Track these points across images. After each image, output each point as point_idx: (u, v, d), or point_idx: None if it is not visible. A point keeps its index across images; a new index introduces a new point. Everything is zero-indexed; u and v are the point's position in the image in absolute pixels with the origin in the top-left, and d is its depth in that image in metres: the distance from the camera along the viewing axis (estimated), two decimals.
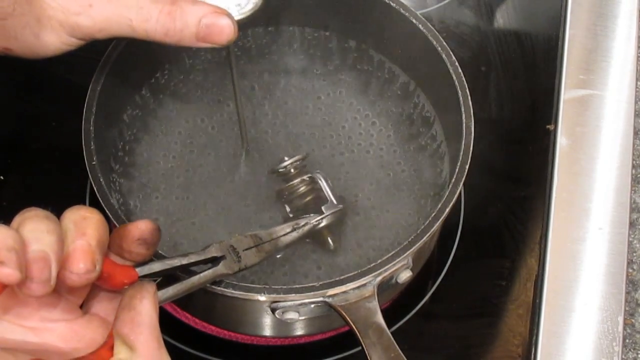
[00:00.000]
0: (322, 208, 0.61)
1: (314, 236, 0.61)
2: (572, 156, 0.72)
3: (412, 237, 0.53)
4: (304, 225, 0.58)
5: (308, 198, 0.62)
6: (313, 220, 0.59)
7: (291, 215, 0.62)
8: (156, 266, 0.45)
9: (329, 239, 0.61)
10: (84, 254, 0.38)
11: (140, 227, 0.43)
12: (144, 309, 0.41)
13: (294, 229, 0.58)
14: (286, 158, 0.63)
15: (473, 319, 0.66)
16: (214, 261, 0.49)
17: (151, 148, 0.65)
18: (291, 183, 0.62)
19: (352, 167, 0.65)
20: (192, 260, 0.48)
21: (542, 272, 0.66)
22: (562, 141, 0.72)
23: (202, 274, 0.48)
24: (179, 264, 0.46)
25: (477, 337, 0.65)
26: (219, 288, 0.50)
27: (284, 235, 0.57)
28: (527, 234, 0.69)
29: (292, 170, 0.63)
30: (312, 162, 0.65)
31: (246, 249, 0.53)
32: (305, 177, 0.62)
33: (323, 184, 0.62)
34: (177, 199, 0.63)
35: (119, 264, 0.43)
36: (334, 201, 0.61)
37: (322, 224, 0.60)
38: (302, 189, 0.62)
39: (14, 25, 0.48)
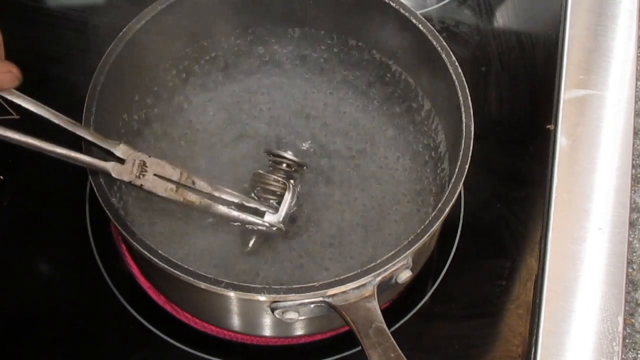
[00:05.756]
0: (265, 214, 0.59)
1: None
2: (572, 156, 0.72)
3: (412, 237, 0.53)
4: (244, 210, 0.57)
5: (269, 196, 0.61)
6: (253, 219, 0.59)
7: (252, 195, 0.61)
8: None
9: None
10: None
11: None
12: None
13: (233, 204, 0.56)
14: (290, 153, 0.62)
15: (473, 319, 0.66)
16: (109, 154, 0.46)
17: (151, 148, 0.65)
18: (269, 175, 0.61)
19: (351, 167, 0.65)
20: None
21: (542, 272, 0.66)
22: (562, 141, 0.72)
23: (70, 150, 0.45)
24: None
25: (477, 337, 0.65)
26: (219, 287, 0.50)
27: (222, 199, 0.54)
28: (527, 234, 0.69)
29: (283, 165, 0.62)
30: (311, 155, 0.65)
31: (159, 176, 0.47)
32: (281, 177, 0.61)
33: (287, 197, 0.60)
34: None
35: None
36: (279, 219, 0.60)
37: (257, 228, 0.60)
38: (272, 186, 0.61)
39: None
